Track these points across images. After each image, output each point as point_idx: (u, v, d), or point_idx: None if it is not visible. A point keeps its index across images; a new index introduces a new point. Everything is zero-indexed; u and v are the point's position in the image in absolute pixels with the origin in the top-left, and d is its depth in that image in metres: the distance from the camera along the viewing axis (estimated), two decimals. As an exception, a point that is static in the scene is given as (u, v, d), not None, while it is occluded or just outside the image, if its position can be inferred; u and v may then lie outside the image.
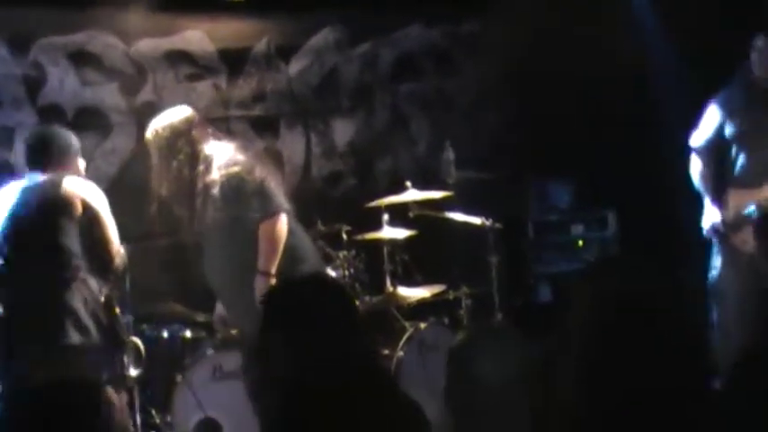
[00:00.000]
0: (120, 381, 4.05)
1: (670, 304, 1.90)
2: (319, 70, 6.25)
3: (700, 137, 4.91)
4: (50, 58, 5.45)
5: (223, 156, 4.20)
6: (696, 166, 4.92)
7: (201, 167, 4.17)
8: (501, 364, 4.57)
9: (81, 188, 4.01)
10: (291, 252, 4.18)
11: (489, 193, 5.81)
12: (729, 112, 4.82)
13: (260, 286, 4.02)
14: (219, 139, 4.33)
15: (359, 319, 2.37)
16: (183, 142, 4.20)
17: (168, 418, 4.63)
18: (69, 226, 3.92)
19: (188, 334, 4.90)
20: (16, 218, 3.95)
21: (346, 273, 4.98)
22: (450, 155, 5.96)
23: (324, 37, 6.24)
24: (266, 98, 6.11)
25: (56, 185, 3.97)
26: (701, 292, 4.85)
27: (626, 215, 6.30)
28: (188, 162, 4.17)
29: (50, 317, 3.84)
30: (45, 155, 4.08)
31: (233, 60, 5.95)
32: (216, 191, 4.13)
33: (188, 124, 4.25)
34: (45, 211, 3.94)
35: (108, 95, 5.62)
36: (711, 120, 4.86)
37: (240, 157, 4.23)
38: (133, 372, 4.17)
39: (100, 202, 4.03)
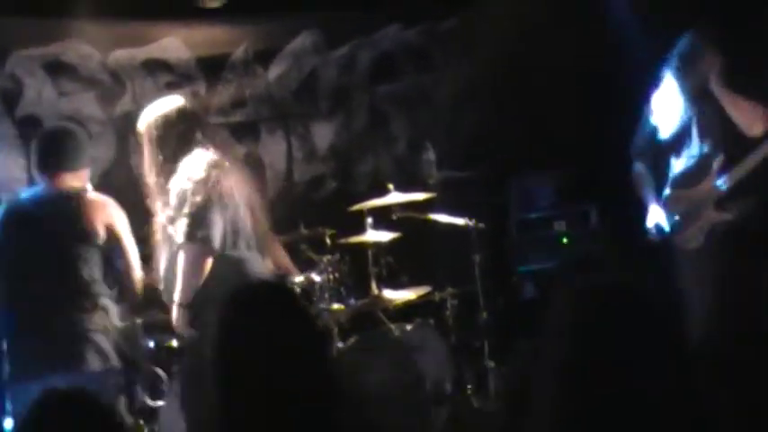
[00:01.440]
0: (138, 409, 3.96)
1: (648, 302, 1.91)
2: (298, 74, 6.25)
3: (637, 141, 5.04)
4: (27, 69, 5.42)
5: (189, 164, 3.98)
6: (636, 170, 5.04)
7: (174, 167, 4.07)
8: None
9: (105, 211, 3.84)
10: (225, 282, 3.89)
11: (471, 192, 5.83)
12: (663, 115, 4.93)
13: (173, 316, 3.86)
14: (206, 145, 4.20)
15: None
16: (173, 134, 4.04)
17: (156, 428, 4.61)
18: (91, 252, 3.78)
19: (174, 343, 4.88)
20: (33, 237, 3.79)
21: (330, 277, 4.98)
22: (430, 155, 5.97)
23: (301, 41, 6.24)
24: (246, 104, 6.10)
25: (79, 207, 3.79)
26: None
27: (608, 210, 6.32)
28: (172, 156, 4.00)
29: (70, 344, 3.74)
30: (67, 157, 3.91)
31: (211, 67, 5.94)
32: (172, 204, 3.94)
33: (181, 115, 4.12)
34: (67, 237, 3.78)
35: (85, 105, 5.59)
36: (647, 123, 4.99)
37: (198, 173, 3.94)
38: (151, 402, 4.06)
39: (123, 226, 3.87)
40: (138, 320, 3.96)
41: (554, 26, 6.15)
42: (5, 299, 3.84)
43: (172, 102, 4.19)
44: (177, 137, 4.00)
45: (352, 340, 4.96)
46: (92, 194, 3.89)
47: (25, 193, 4.09)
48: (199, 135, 4.06)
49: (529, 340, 2.17)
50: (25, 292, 3.80)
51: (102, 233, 3.81)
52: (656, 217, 4.93)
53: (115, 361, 3.82)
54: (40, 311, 3.77)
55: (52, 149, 3.96)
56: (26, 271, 3.82)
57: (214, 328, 2.31)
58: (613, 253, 5.96)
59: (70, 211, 3.81)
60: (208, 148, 4.06)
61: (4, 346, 3.92)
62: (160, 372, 4.13)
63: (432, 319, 5.30)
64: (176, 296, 3.88)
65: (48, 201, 3.86)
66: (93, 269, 3.80)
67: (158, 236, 4.05)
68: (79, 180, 3.92)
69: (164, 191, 3.97)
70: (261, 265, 4.04)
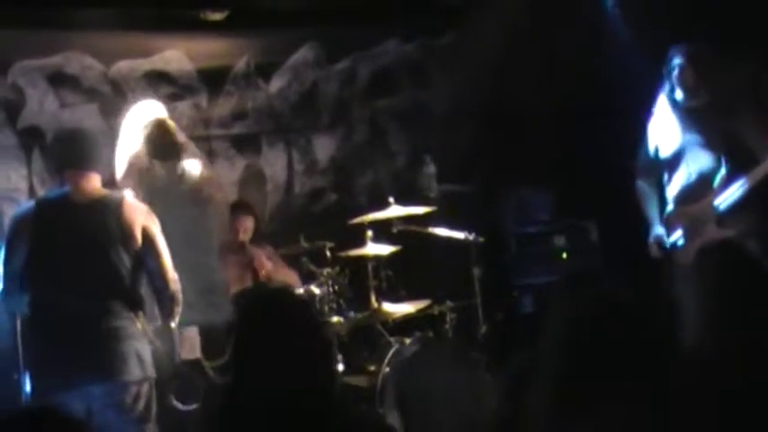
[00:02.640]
0: (167, 414, 3.87)
1: (645, 319, 1.92)
2: (299, 87, 6.27)
3: (641, 159, 5.08)
4: (29, 80, 5.44)
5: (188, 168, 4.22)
6: (640, 188, 5.08)
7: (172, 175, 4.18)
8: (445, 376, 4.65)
9: (140, 214, 3.77)
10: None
11: (470, 206, 5.84)
12: (661, 133, 4.97)
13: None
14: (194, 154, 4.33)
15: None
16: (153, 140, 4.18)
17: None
18: (128, 257, 3.69)
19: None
20: (70, 241, 3.67)
21: (330, 289, 4.98)
22: (430, 169, 5.98)
23: (303, 54, 6.26)
24: (247, 116, 6.12)
25: (114, 211, 3.70)
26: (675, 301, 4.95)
27: (607, 225, 6.33)
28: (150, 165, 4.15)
29: (110, 352, 3.62)
30: (94, 157, 3.80)
31: (213, 79, 5.96)
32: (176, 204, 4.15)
33: (158, 126, 4.23)
34: (103, 242, 3.68)
35: (87, 117, 5.61)
36: (647, 143, 5.02)
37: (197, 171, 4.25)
38: (182, 406, 3.98)
39: (156, 229, 3.80)
40: (173, 323, 3.89)
41: (550, 42, 6.18)
42: (36, 304, 3.68)
43: (151, 112, 4.27)
44: (155, 146, 4.12)
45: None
46: (129, 199, 3.83)
47: (54, 194, 3.96)
48: (180, 146, 4.19)
49: (525, 354, 2.18)
50: (59, 298, 3.64)
51: (139, 237, 3.73)
52: (658, 233, 4.96)
53: (152, 369, 3.71)
54: (76, 318, 3.63)
55: (77, 148, 3.82)
56: (60, 276, 3.67)
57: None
58: (611, 268, 5.97)
59: (109, 212, 3.71)
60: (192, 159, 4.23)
61: (31, 356, 3.82)
62: (192, 376, 4.07)
63: (431, 332, 5.31)
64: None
65: (82, 204, 3.74)
66: (129, 272, 3.71)
67: None
68: (98, 181, 3.87)
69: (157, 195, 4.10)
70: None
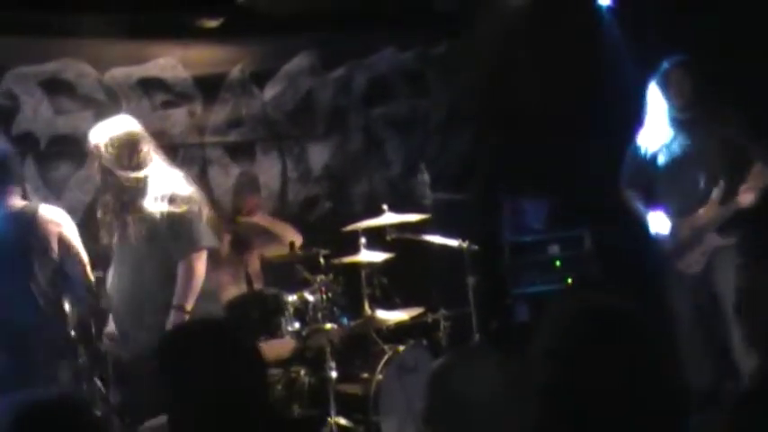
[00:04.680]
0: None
1: (637, 327, 1.92)
2: (294, 95, 6.27)
3: (626, 171, 5.09)
4: (24, 87, 5.43)
5: (167, 186, 4.22)
6: (628, 197, 5.11)
7: (139, 186, 4.20)
8: (483, 385, 4.60)
9: (55, 225, 3.91)
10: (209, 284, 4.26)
11: (464, 214, 5.84)
12: (655, 144, 4.97)
13: (174, 320, 4.09)
14: (171, 165, 4.37)
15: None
16: (126, 155, 4.23)
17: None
18: (46, 269, 3.82)
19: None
20: None
21: (324, 297, 4.98)
22: (425, 177, 5.98)
23: (298, 62, 6.26)
24: (242, 124, 6.11)
25: (29, 223, 3.85)
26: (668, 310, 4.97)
27: (601, 233, 6.34)
28: (126, 176, 4.20)
29: (42, 357, 3.75)
30: (11, 172, 3.99)
31: (207, 86, 5.95)
32: (148, 218, 4.17)
33: (133, 138, 4.28)
34: (19, 251, 3.82)
35: (82, 123, 5.58)
36: (635, 156, 5.03)
37: (185, 189, 4.26)
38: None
39: (74, 237, 3.94)
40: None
41: (546, 50, 6.20)
42: None
43: (126, 124, 4.32)
44: (128, 158, 4.16)
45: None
46: (43, 210, 3.96)
47: None
48: (152, 155, 4.23)
49: (518, 362, 2.18)
50: None
51: (56, 247, 3.87)
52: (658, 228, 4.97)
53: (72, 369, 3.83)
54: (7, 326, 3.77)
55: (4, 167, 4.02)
56: None
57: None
58: (606, 277, 5.97)
59: (26, 221, 3.87)
60: (171, 167, 4.26)
61: None
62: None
63: (425, 340, 5.30)
64: (176, 300, 4.12)
65: (4, 218, 3.90)
66: (50, 285, 3.83)
67: (118, 248, 4.24)
68: (16, 195, 4.00)
69: (127, 208, 4.16)
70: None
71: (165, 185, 4.22)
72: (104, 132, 4.32)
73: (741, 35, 5.39)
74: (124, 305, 4.31)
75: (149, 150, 4.30)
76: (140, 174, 4.22)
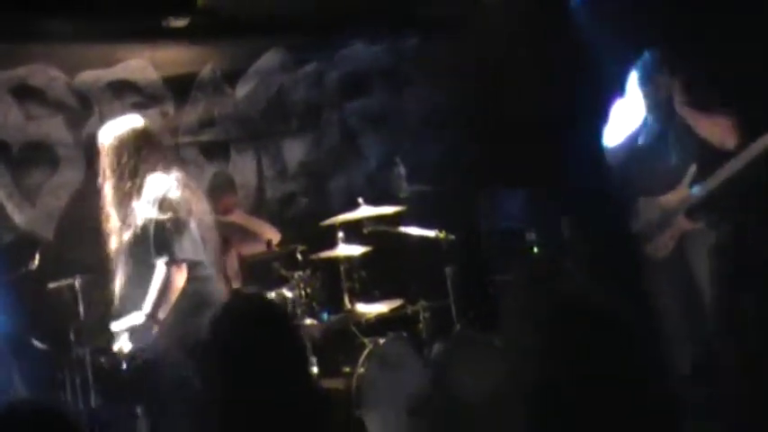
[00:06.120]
0: None
1: (614, 312, 1.93)
2: (266, 92, 6.25)
3: (610, 153, 5.11)
4: (-7, 93, 5.41)
5: (157, 190, 4.16)
6: (609, 185, 5.14)
7: (135, 191, 4.17)
8: (468, 373, 4.63)
9: None
10: (194, 298, 4.16)
11: (441, 205, 5.84)
12: (631, 127, 5.01)
13: (144, 326, 4.08)
14: (169, 167, 4.30)
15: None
16: (127, 155, 4.20)
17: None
18: None
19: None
20: None
21: (303, 293, 4.98)
22: (401, 170, 5.98)
23: (268, 59, 6.25)
24: (215, 123, 6.09)
25: None
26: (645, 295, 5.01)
27: (579, 220, 6.35)
28: (128, 178, 4.17)
29: None
30: None
31: (178, 87, 5.93)
32: (138, 223, 4.13)
33: (137, 135, 4.24)
34: None
35: (53, 129, 5.57)
36: (614, 141, 5.06)
37: (173, 195, 4.17)
38: None
39: None
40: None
41: (522, 43, 6.20)
42: None
43: (131, 122, 4.29)
44: (136, 157, 4.13)
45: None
46: None
47: None
48: (158, 155, 4.20)
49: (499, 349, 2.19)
50: None
51: None
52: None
53: None
54: None
55: None
56: None
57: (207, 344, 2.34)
58: (583, 263, 5.99)
59: None
60: (170, 169, 4.21)
61: None
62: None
63: (405, 332, 5.30)
64: (146, 307, 4.07)
65: None
66: None
67: (118, 254, 4.21)
68: None
69: (125, 211, 4.10)
70: (221, 282, 4.44)
71: (157, 189, 4.15)
72: (109, 132, 4.28)
73: (715, 24, 5.41)
74: (123, 310, 4.27)
75: (149, 151, 4.24)
76: (137, 177, 4.17)
